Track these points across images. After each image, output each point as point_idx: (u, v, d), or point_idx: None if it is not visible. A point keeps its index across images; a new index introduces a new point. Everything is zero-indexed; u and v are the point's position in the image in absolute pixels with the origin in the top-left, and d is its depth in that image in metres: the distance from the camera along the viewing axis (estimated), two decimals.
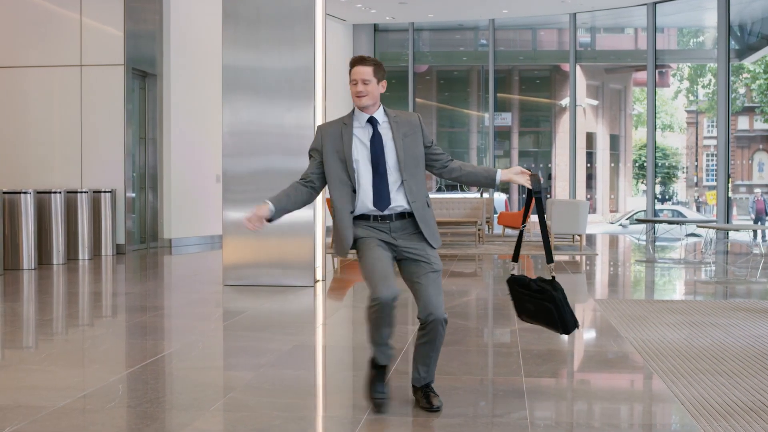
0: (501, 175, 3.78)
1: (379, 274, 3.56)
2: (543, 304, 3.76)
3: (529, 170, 3.78)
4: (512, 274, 3.96)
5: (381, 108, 3.74)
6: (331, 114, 6.75)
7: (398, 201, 3.68)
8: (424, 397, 3.73)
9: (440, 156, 3.81)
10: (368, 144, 3.68)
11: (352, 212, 3.69)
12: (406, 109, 18.93)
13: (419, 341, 3.70)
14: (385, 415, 3.65)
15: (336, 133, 3.73)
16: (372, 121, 3.70)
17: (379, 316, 3.59)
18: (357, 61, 3.69)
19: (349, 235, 3.69)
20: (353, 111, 3.75)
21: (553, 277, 3.83)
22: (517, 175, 3.76)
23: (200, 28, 12.99)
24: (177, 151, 12.69)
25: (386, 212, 3.69)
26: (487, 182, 3.84)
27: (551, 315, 3.74)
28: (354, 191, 3.68)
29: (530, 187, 3.74)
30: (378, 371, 3.77)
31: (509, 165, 21.87)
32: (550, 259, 3.89)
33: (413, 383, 3.80)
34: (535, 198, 3.77)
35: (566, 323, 3.74)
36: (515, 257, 4.08)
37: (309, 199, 3.83)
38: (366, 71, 3.65)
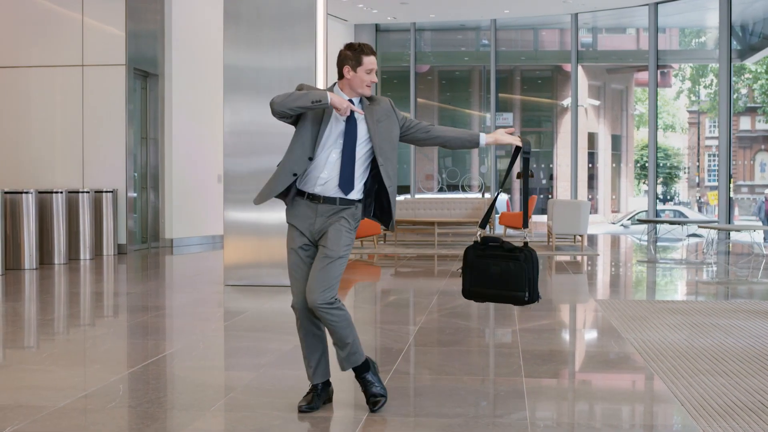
0: (486, 138, 3.77)
1: (294, 282, 3.72)
2: (516, 263, 3.64)
3: (527, 140, 3.73)
4: (475, 241, 3.84)
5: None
6: None
7: (357, 187, 3.67)
8: (362, 386, 3.75)
9: (418, 124, 3.79)
10: (344, 123, 3.66)
11: (294, 175, 3.64)
12: (407, 109, 18.94)
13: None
14: (386, 414, 3.65)
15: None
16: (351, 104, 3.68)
17: (301, 329, 3.76)
18: (372, 51, 3.69)
19: (276, 189, 3.65)
20: (332, 88, 3.73)
21: (526, 243, 3.72)
22: (503, 135, 3.74)
23: (201, 28, 12.99)
24: (178, 151, 12.69)
25: (317, 192, 3.64)
26: (471, 144, 3.82)
27: (521, 275, 3.63)
28: (310, 159, 3.64)
29: (519, 144, 3.72)
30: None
31: (509, 165, 21.85)
32: (525, 223, 3.84)
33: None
34: (523, 159, 3.74)
35: (534, 287, 3.63)
36: (483, 224, 3.93)
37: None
38: (376, 62, 3.69)
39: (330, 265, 3.58)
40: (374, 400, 3.69)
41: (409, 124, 3.78)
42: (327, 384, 3.79)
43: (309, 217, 3.66)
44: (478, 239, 3.82)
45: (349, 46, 3.69)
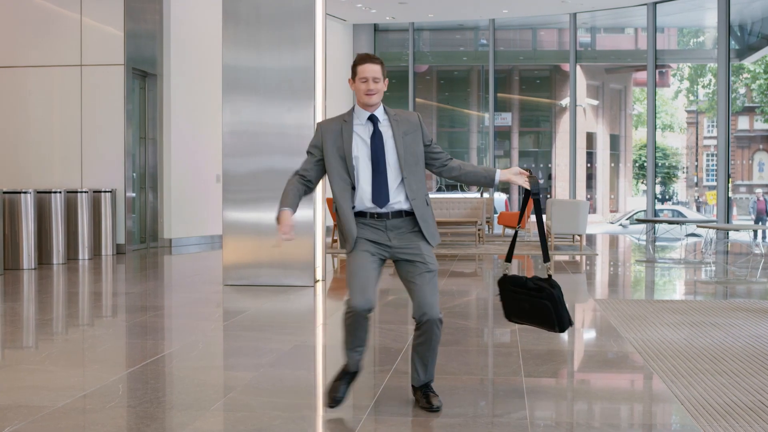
0: (500, 174, 3.79)
1: (359, 284, 3.58)
2: (541, 301, 3.77)
3: (529, 171, 3.79)
4: (505, 274, 3.97)
5: (381, 106, 3.74)
6: (331, 114, 6.74)
7: (397, 199, 3.68)
8: (424, 397, 3.74)
9: (440, 155, 3.81)
10: (368, 141, 3.67)
11: (353, 208, 3.69)
12: (406, 108, 18.93)
13: (416, 341, 3.71)
14: (386, 415, 3.66)
15: (336, 130, 3.72)
16: (372, 119, 3.70)
17: (353, 326, 3.63)
18: (366, 59, 3.68)
19: (353, 229, 3.68)
20: (353, 108, 3.75)
21: (550, 276, 3.84)
22: (515, 175, 3.77)
23: (200, 28, 12.99)
24: (177, 151, 12.69)
25: (383, 210, 3.68)
26: (486, 182, 3.84)
27: (548, 312, 3.75)
28: (353, 188, 3.67)
29: (528, 188, 3.75)
30: (346, 375, 3.79)
31: (509, 165, 21.88)
32: (546, 258, 3.90)
33: (412, 383, 3.80)
34: (533, 199, 3.78)
35: (563, 321, 3.76)
36: (508, 258, 4.08)
37: (306, 194, 3.84)
38: (376, 69, 3.65)
39: (434, 278, 3.67)
40: (435, 410, 3.69)
41: (432, 149, 3.79)
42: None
43: (381, 233, 3.69)
44: (508, 272, 3.97)
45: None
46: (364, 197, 3.67)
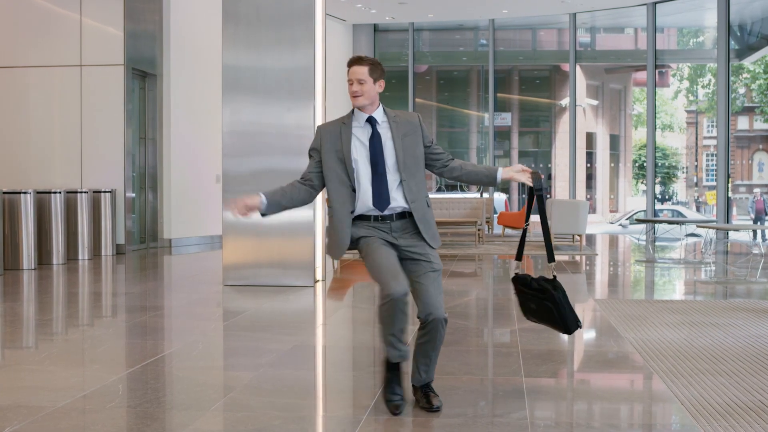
0: (502, 173, 3.78)
1: (388, 271, 3.53)
2: (544, 303, 3.77)
3: (530, 168, 3.78)
4: (516, 273, 3.97)
5: (380, 107, 3.74)
6: (331, 114, 6.75)
7: (398, 201, 3.68)
8: (424, 397, 3.73)
9: (440, 155, 3.81)
10: (367, 144, 3.67)
11: (352, 212, 3.68)
12: (406, 109, 18.92)
13: (419, 341, 3.70)
14: (386, 414, 3.66)
15: (335, 132, 3.72)
16: (371, 121, 3.70)
17: (392, 313, 3.53)
18: (354, 61, 3.68)
19: (346, 236, 3.68)
20: (353, 111, 3.75)
21: (554, 277, 3.83)
22: (518, 173, 3.77)
23: (200, 28, 12.99)
24: (177, 151, 12.69)
25: (386, 212, 3.68)
26: (488, 181, 3.83)
27: (552, 314, 3.76)
28: (353, 191, 3.67)
29: (531, 185, 3.75)
30: (392, 373, 3.77)
31: (509, 165, 21.87)
32: (551, 258, 3.90)
33: (413, 383, 3.80)
34: (537, 196, 3.77)
35: (567, 323, 3.75)
36: (518, 256, 4.08)
37: (308, 199, 3.82)
38: (361, 71, 3.64)
39: (439, 277, 3.66)
40: (435, 410, 3.68)
41: (433, 150, 3.79)
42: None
43: (385, 232, 3.70)
44: (519, 272, 3.98)
45: None
46: (366, 200, 3.66)
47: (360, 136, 3.69)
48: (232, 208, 3.67)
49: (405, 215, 3.70)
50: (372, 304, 7.28)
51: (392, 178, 3.67)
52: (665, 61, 21.60)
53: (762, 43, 18.31)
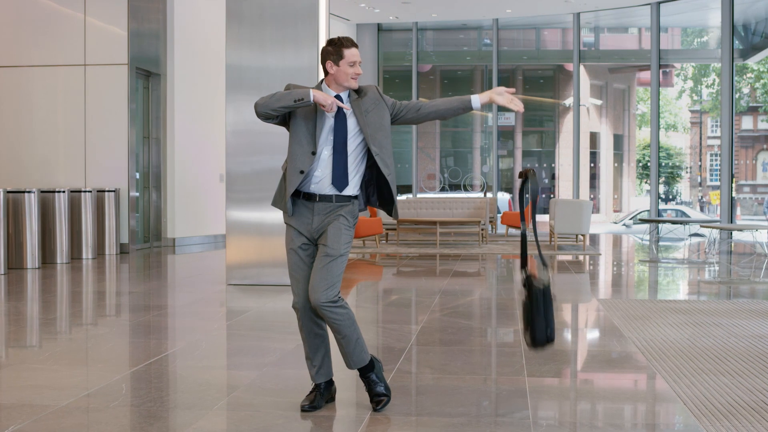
0: (479, 98, 3.68)
1: (296, 282, 3.72)
2: (527, 302, 3.57)
3: (532, 170, 3.71)
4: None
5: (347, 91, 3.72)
6: None
7: (353, 183, 3.67)
8: (366, 384, 3.75)
9: (408, 105, 3.75)
10: (333, 119, 3.64)
11: (302, 173, 3.61)
12: None
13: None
14: (388, 414, 3.66)
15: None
16: (338, 99, 3.67)
17: (300, 324, 3.74)
18: (353, 43, 3.66)
19: (289, 191, 3.61)
20: (320, 86, 3.69)
21: (534, 283, 3.57)
22: (499, 95, 3.64)
23: (204, 28, 13.00)
24: (181, 150, 12.70)
25: (313, 191, 3.63)
26: (464, 109, 3.74)
27: (525, 316, 3.55)
28: (313, 154, 3.61)
29: (514, 109, 3.60)
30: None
31: (513, 165, 21.88)
32: (543, 262, 3.73)
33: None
34: (531, 201, 3.65)
35: (534, 329, 3.51)
36: (524, 263, 3.76)
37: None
38: (358, 53, 3.66)
39: (331, 263, 3.59)
40: (377, 400, 3.69)
41: (399, 107, 3.74)
42: (330, 383, 3.80)
43: (306, 217, 3.66)
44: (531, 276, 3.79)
45: (329, 42, 3.66)
46: (324, 180, 3.62)
47: (326, 112, 3.63)
48: (335, 107, 3.55)
49: (332, 199, 3.64)
50: (374, 304, 7.28)
51: (352, 159, 3.64)
52: (669, 61, 21.56)
53: (766, 43, 18.28)
